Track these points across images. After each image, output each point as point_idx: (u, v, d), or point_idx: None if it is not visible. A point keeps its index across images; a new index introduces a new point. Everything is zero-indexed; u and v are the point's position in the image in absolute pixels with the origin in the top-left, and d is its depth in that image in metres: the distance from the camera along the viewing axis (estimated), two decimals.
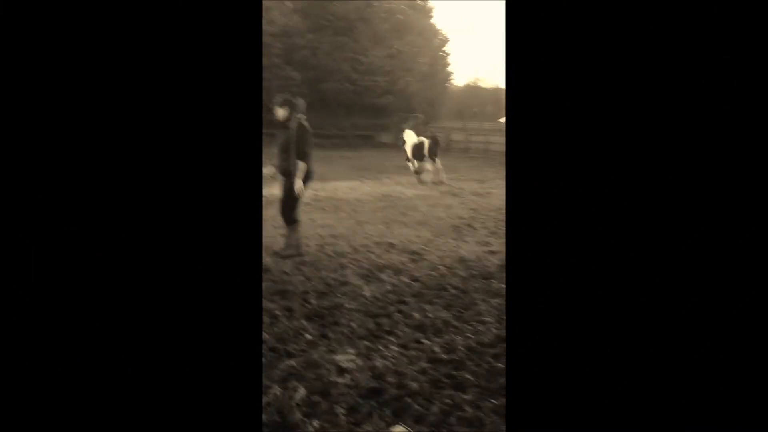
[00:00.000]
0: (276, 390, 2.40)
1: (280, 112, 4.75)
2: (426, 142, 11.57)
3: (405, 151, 12.35)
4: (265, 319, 3.31)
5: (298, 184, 4.66)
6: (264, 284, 4.05)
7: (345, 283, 4.09)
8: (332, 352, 2.85)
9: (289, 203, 4.81)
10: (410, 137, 12.26)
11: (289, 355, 2.79)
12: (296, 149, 4.63)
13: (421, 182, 11.31)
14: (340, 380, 2.52)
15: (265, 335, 3.04)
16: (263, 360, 2.72)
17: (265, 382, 2.48)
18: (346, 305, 3.58)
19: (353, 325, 3.23)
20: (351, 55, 25.28)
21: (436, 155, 11.47)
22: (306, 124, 4.72)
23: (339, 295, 3.79)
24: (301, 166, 4.61)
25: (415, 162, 11.86)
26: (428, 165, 11.50)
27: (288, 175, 4.75)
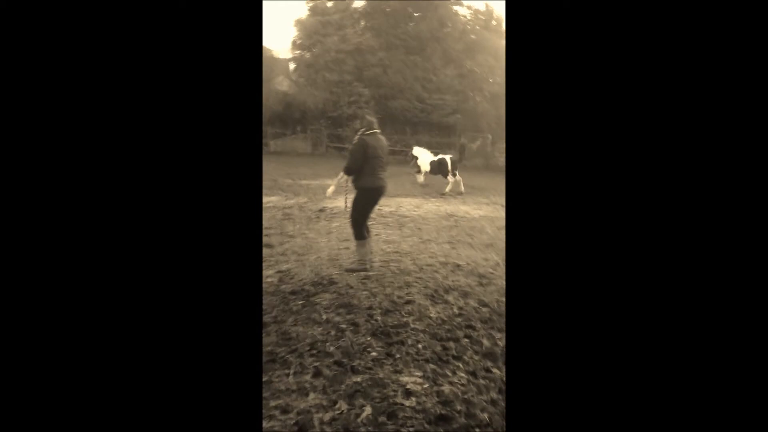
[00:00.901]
0: (342, 406, 2.37)
1: (357, 126, 4.92)
2: (448, 159, 12.71)
3: (418, 166, 13.44)
4: (331, 332, 3.31)
5: (330, 188, 5.21)
6: (329, 296, 4.07)
7: (410, 302, 4.02)
8: (398, 372, 2.78)
9: (357, 218, 4.84)
10: (421, 153, 13.46)
11: (354, 372, 2.75)
12: (347, 162, 4.85)
13: (442, 193, 12.28)
14: (406, 403, 2.45)
15: (331, 348, 3.04)
16: (330, 373, 2.71)
17: (332, 396, 2.46)
18: (412, 325, 3.51)
19: (419, 346, 3.16)
20: (422, 74, 25.48)
21: (456, 170, 12.75)
22: (368, 140, 4.75)
23: (404, 314, 3.73)
24: (340, 176, 4.98)
25: (423, 176, 13.35)
26: (450, 178, 12.63)
27: (357, 188, 4.80)
